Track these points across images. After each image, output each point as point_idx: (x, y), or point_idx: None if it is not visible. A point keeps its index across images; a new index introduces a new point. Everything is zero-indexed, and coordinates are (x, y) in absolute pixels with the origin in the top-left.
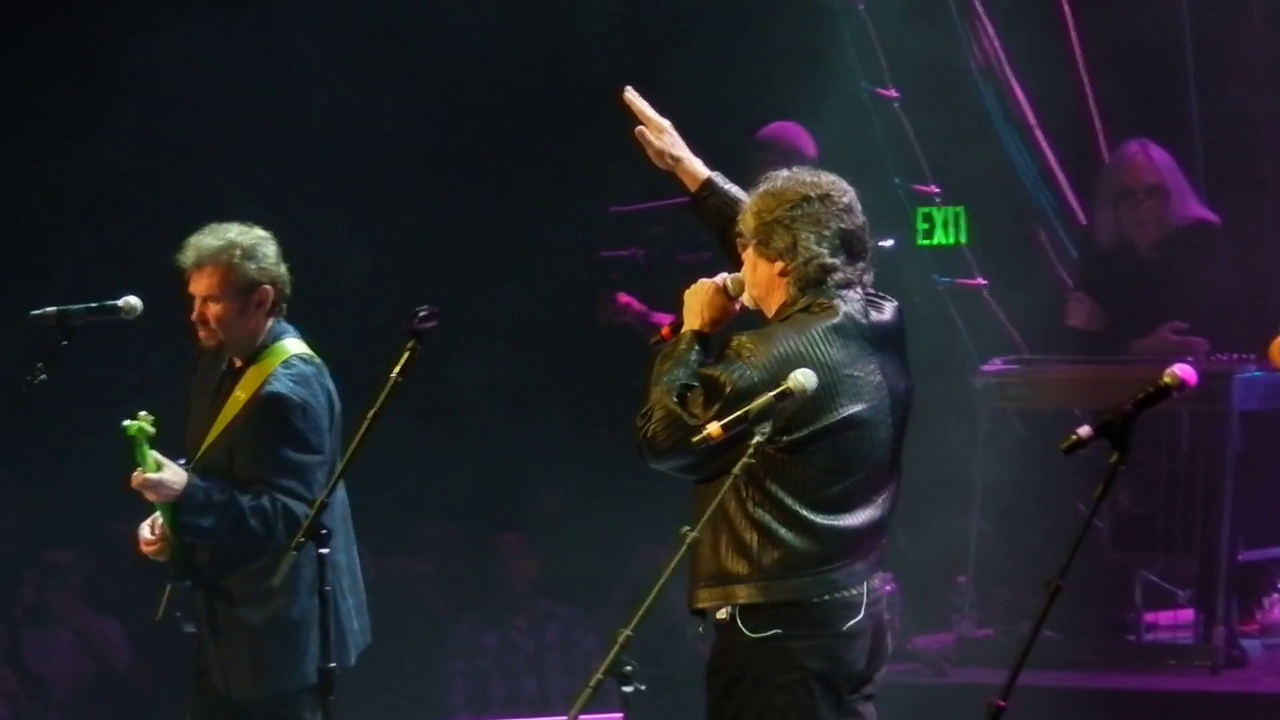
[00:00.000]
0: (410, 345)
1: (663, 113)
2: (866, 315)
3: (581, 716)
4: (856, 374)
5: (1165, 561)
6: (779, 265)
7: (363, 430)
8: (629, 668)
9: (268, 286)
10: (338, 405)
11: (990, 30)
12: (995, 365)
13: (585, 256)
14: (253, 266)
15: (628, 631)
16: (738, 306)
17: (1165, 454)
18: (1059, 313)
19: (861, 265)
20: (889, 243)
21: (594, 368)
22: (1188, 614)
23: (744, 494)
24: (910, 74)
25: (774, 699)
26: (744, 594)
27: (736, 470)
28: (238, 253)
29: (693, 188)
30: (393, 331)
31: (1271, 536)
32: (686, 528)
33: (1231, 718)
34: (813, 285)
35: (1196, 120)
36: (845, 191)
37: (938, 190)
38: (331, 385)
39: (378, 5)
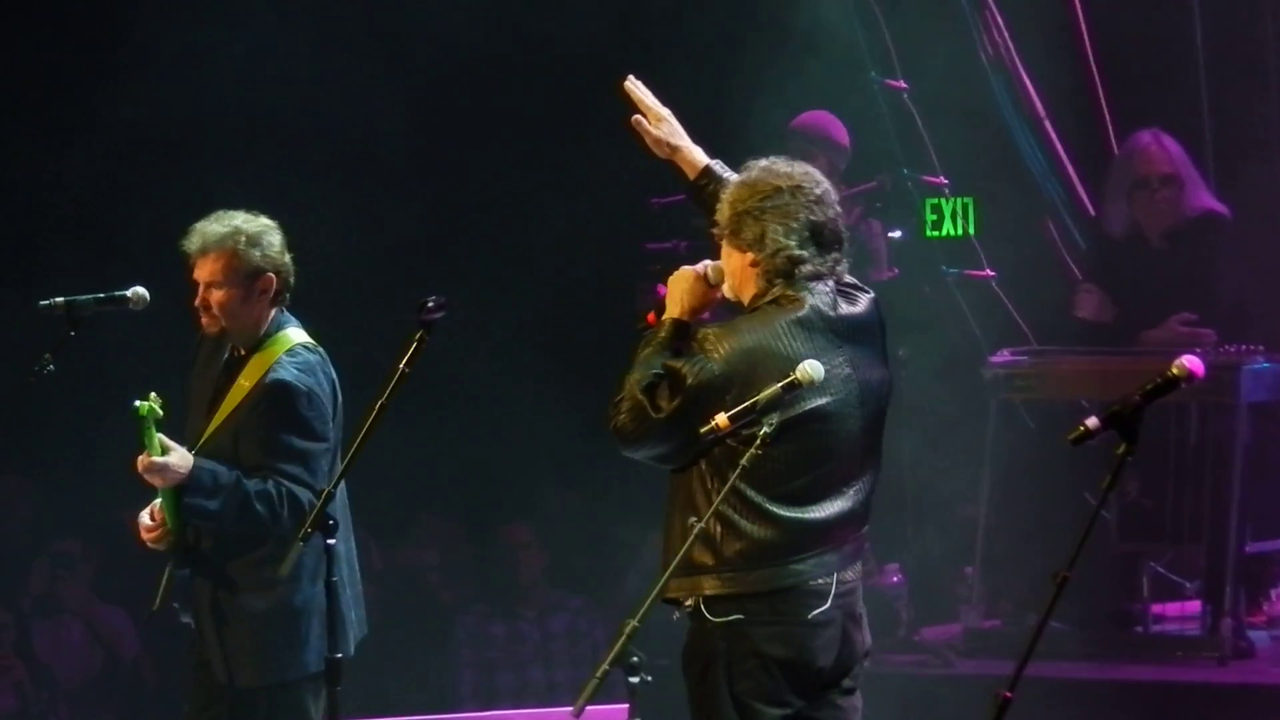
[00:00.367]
0: (419, 336)
1: (666, 102)
2: (835, 308)
3: (589, 707)
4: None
5: (1173, 553)
6: (750, 256)
7: (370, 421)
8: (636, 658)
9: (271, 275)
10: (340, 395)
11: (1000, 21)
12: (1004, 356)
13: (596, 246)
14: (257, 254)
15: (635, 622)
16: (719, 295)
17: (1173, 445)
18: (1067, 304)
19: (834, 256)
20: (897, 234)
21: (605, 358)
22: (1195, 605)
23: (709, 486)
24: (920, 65)
25: (737, 685)
26: (710, 585)
27: (744, 461)
28: (243, 239)
29: (692, 175)
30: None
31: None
32: (694, 519)
33: (1238, 709)
34: (781, 277)
35: (1206, 111)
36: (819, 183)
37: (946, 181)
38: (334, 374)
39: None
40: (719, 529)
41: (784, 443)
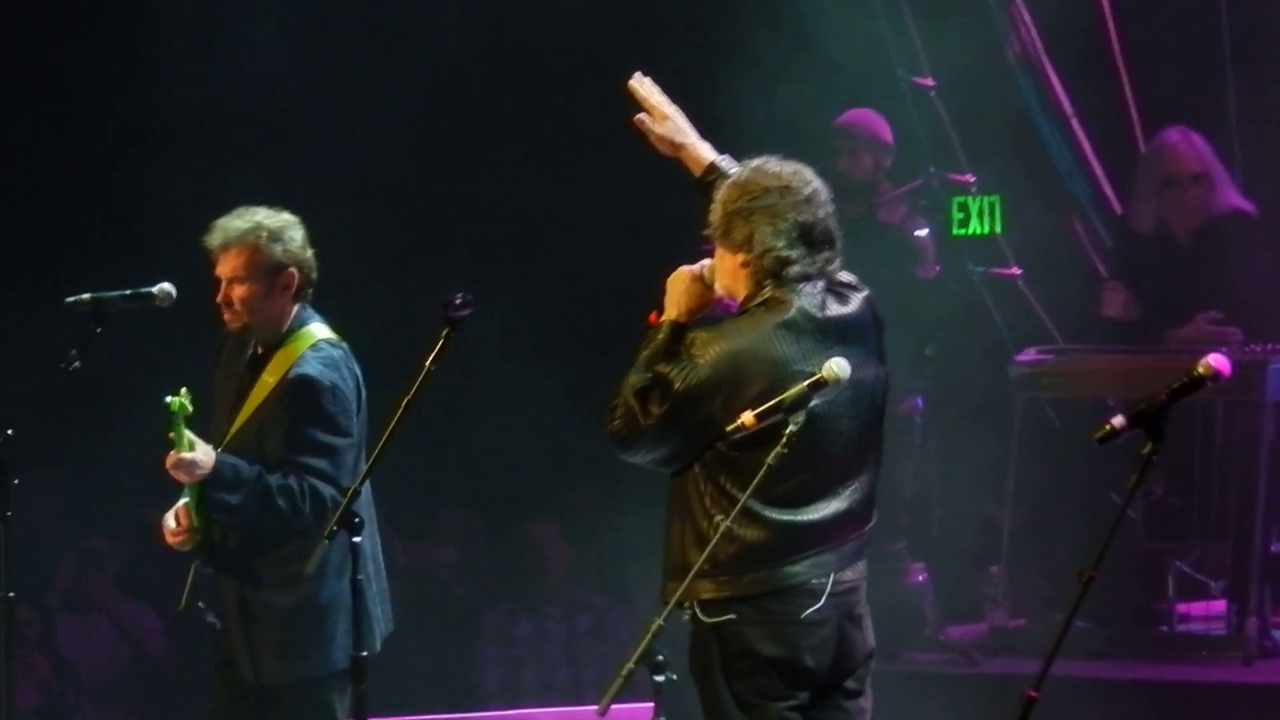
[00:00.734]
0: (445, 333)
1: (688, 99)
2: (823, 309)
3: (614, 705)
4: (810, 369)
5: (1198, 552)
6: (740, 257)
7: (397, 418)
8: (661, 657)
9: (293, 270)
10: (364, 390)
11: (1027, 19)
12: (1030, 355)
13: (623, 240)
14: (279, 249)
15: (660, 620)
16: (717, 295)
17: (1199, 444)
18: (1094, 302)
19: (825, 256)
20: (923, 231)
21: (631, 354)
22: (1220, 605)
23: (702, 489)
24: (947, 63)
25: (735, 685)
26: (706, 588)
27: (770, 460)
28: (264, 235)
29: (698, 172)
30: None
31: None
32: (720, 517)
33: (1264, 709)
34: (770, 277)
35: (1233, 110)
36: (808, 183)
37: (973, 179)
38: (358, 370)
39: None
40: (713, 534)
41: (770, 446)
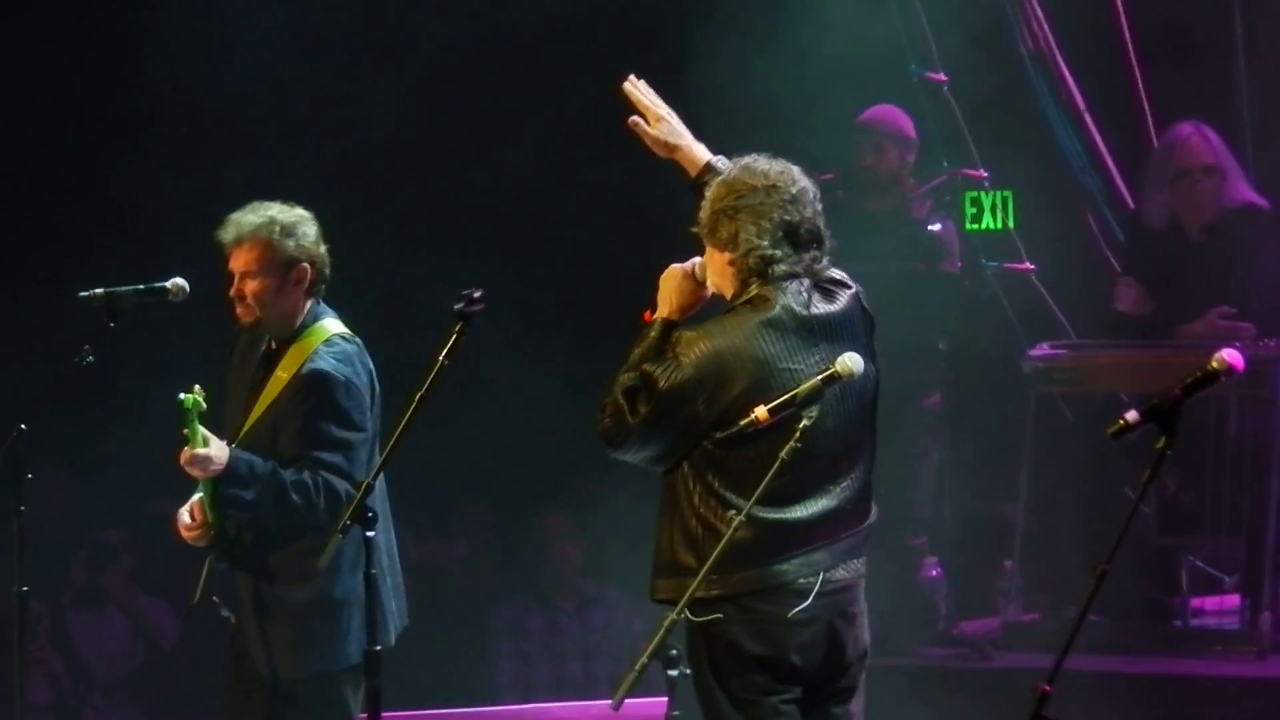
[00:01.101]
0: (458, 328)
1: (696, 95)
2: (809, 307)
3: (627, 700)
4: (795, 367)
5: (1212, 546)
6: (726, 256)
7: (410, 413)
8: (675, 651)
9: (306, 265)
10: (377, 385)
11: (1040, 14)
12: (1043, 350)
13: (636, 234)
14: (292, 244)
15: (674, 615)
16: (708, 293)
17: (1213, 439)
18: (1107, 297)
19: (812, 255)
20: (936, 226)
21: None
22: (1234, 599)
23: (690, 487)
24: (960, 58)
25: (727, 684)
26: (696, 587)
27: (784, 455)
28: (277, 229)
29: (693, 173)
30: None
31: None
32: (732, 511)
33: (1277, 703)
34: (756, 276)
35: (1246, 104)
36: (795, 182)
37: (986, 174)
38: (371, 364)
39: None
40: (701, 531)
41: (756, 444)
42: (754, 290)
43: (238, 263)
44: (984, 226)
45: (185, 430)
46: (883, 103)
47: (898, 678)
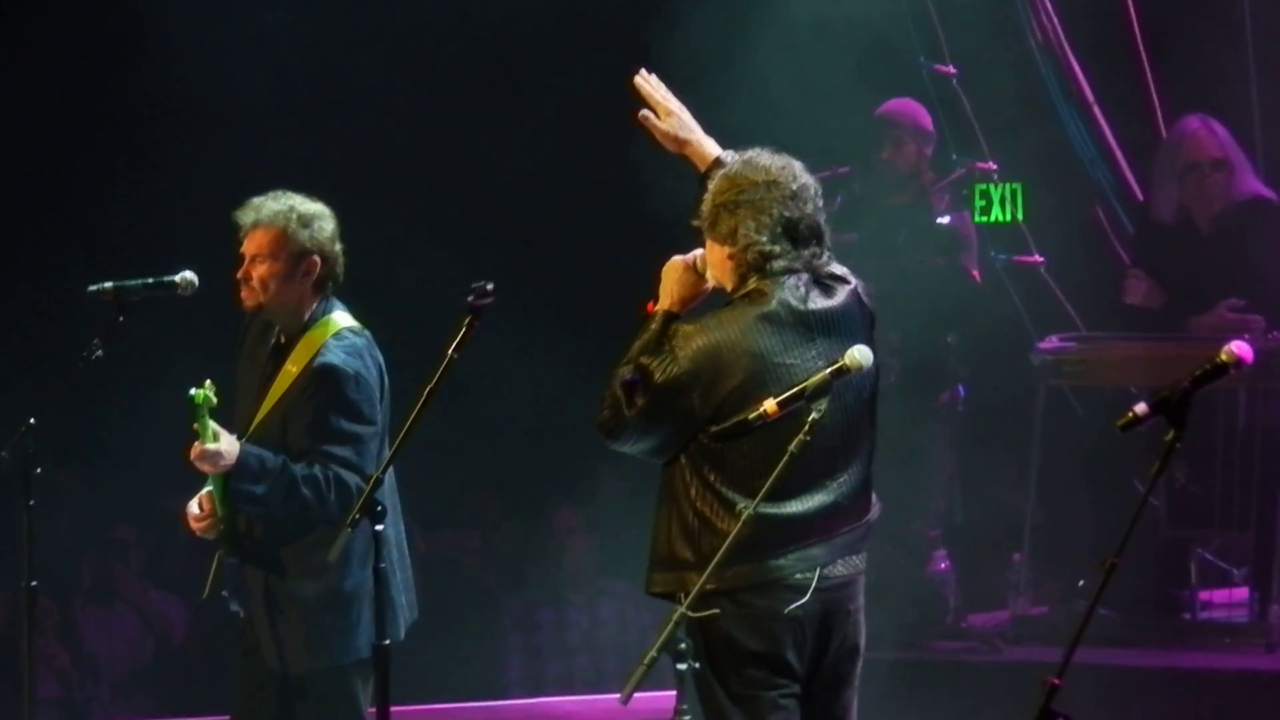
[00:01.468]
0: (468, 321)
1: (703, 88)
2: (806, 301)
3: (636, 694)
4: (791, 362)
5: (1221, 539)
6: (726, 250)
7: (419, 406)
8: (684, 645)
9: (317, 257)
10: (387, 378)
11: (1049, 7)
12: (1052, 342)
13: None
14: (306, 234)
15: (683, 609)
16: (709, 285)
17: (1222, 431)
18: (1116, 290)
19: (811, 251)
20: (946, 219)
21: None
22: (1243, 592)
23: (687, 480)
24: (969, 50)
25: (726, 679)
26: (692, 581)
27: (793, 448)
28: (295, 217)
29: (703, 168)
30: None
31: None
32: (743, 504)
33: None
34: (754, 271)
35: (1255, 97)
36: (796, 178)
37: (995, 167)
38: (381, 358)
39: None
40: (698, 525)
41: (752, 439)
42: (752, 285)
43: (251, 245)
44: (993, 219)
45: (196, 425)
46: (895, 96)
47: (907, 671)
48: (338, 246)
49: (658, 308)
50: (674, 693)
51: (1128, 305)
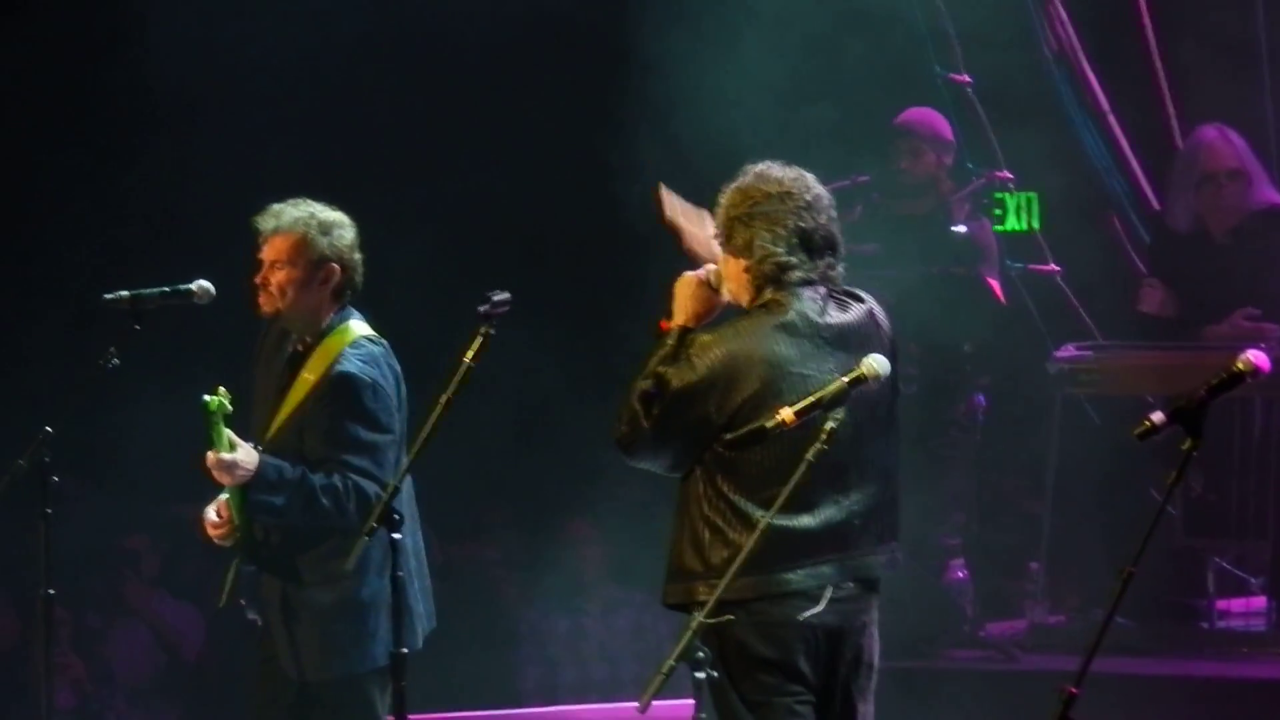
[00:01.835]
0: (483, 330)
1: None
2: (823, 314)
3: (654, 703)
4: (807, 372)
5: (1238, 548)
6: (742, 262)
7: (436, 415)
8: (701, 654)
9: (335, 265)
10: (404, 387)
11: (1064, 16)
12: (1068, 351)
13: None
14: (325, 242)
15: (700, 618)
16: (723, 299)
17: (1238, 440)
18: (1132, 299)
19: (826, 262)
20: (962, 229)
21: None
22: (1260, 601)
23: (701, 491)
24: (984, 59)
25: (740, 686)
26: (702, 591)
27: (810, 456)
28: (315, 224)
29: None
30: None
31: None
32: (760, 513)
33: None
34: (771, 283)
35: (1270, 106)
36: (809, 189)
37: (1011, 176)
38: (398, 367)
39: None
40: (708, 536)
41: (766, 447)
42: (768, 296)
43: (270, 251)
44: (1009, 228)
45: (211, 433)
46: (911, 105)
47: (924, 680)
48: (357, 255)
49: (672, 324)
50: (692, 701)
51: (1143, 314)
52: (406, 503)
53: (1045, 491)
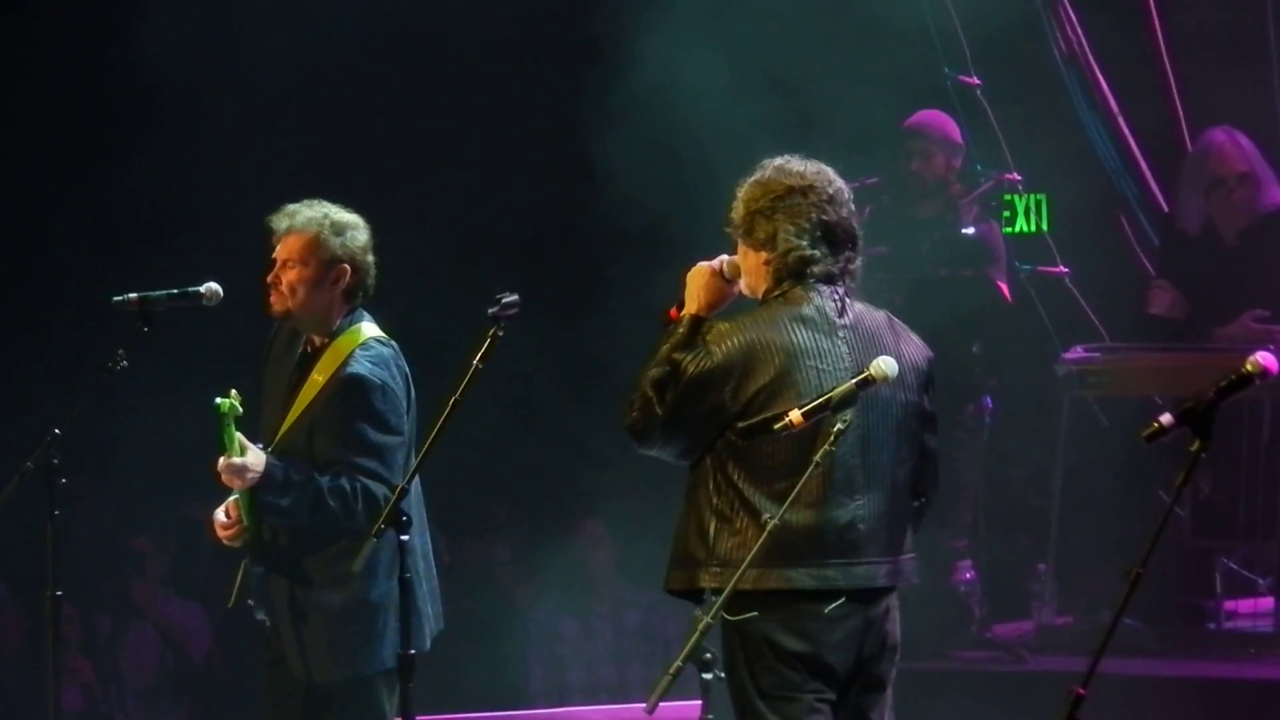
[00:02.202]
0: (492, 332)
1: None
2: (841, 313)
3: (662, 704)
4: (822, 366)
5: (1246, 549)
6: (763, 255)
7: (444, 416)
8: (709, 655)
9: (347, 266)
10: (413, 389)
11: (1073, 17)
12: (1077, 353)
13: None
14: (338, 242)
15: (708, 618)
16: (735, 290)
17: (1246, 442)
18: (1141, 300)
19: (847, 256)
20: (971, 230)
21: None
22: (1268, 602)
23: (710, 478)
24: (993, 61)
25: (759, 680)
26: (705, 578)
27: (817, 458)
28: (329, 224)
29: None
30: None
31: None
32: (768, 514)
33: None
34: (793, 276)
35: (1279, 108)
36: (831, 182)
37: (1020, 177)
38: (407, 368)
39: None
40: (714, 524)
41: (778, 438)
42: (786, 288)
43: (283, 251)
44: (1018, 229)
45: (222, 436)
46: (921, 107)
47: (932, 681)
48: (370, 258)
49: (684, 312)
50: (699, 702)
51: (1152, 316)
52: (415, 504)
53: (1053, 493)
